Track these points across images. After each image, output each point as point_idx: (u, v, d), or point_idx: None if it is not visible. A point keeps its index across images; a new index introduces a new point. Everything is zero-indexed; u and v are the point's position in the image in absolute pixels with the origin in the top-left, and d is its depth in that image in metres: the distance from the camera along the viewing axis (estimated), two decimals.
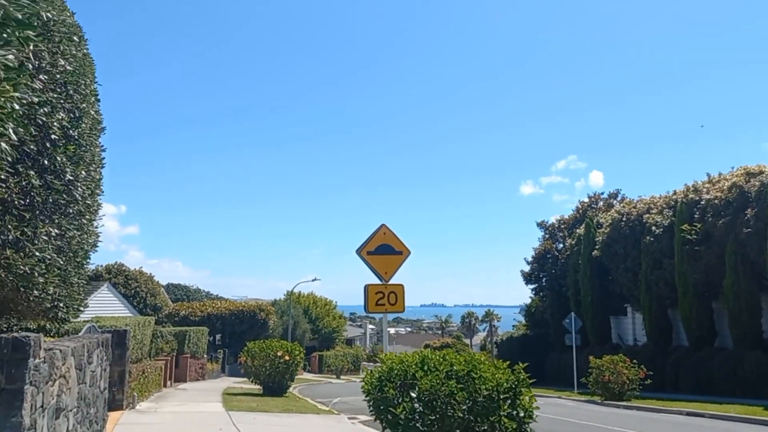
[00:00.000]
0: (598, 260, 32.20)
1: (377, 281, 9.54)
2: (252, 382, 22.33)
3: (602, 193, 39.86)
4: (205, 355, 36.12)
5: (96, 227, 6.37)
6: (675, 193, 28.23)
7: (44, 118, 4.92)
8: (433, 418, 6.32)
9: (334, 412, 16.82)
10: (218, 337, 45.32)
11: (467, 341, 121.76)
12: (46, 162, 5.04)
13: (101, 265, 48.42)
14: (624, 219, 29.68)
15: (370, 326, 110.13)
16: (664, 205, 28.02)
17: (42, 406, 5.16)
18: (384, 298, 9.37)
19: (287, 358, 21.40)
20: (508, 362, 7.23)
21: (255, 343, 22.08)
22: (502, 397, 6.52)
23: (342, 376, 59.20)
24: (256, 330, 45.62)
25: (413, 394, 6.51)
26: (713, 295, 25.87)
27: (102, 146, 6.28)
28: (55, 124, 5.08)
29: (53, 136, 5.03)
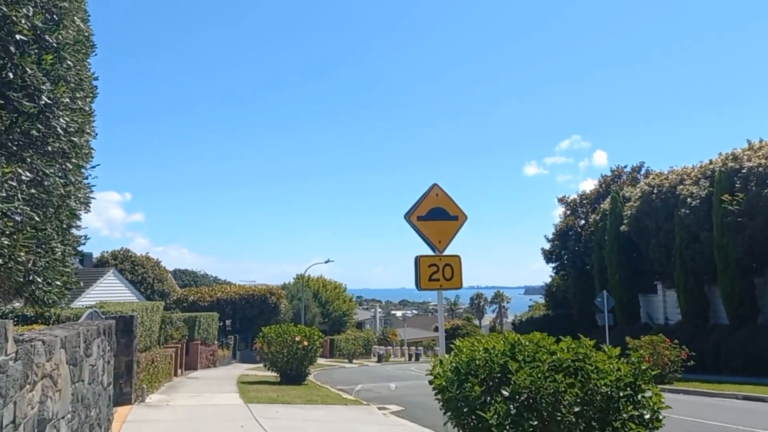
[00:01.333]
0: (626, 235, 30.58)
1: (429, 252, 8.01)
2: (267, 369, 20.94)
3: (625, 167, 38.18)
4: (216, 342, 34.81)
5: (87, 177, 4.82)
6: (711, 162, 26.55)
7: (4, 8, 3.36)
8: (535, 423, 4.81)
9: (361, 402, 15.40)
10: (228, 322, 44.06)
11: (476, 323, 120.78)
12: (10, 74, 3.50)
13: (107, 251, 47.28)
14: (655, 191, 28.00)
15: (378, 308, 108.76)
16: (699, 176, 26.34)
17: (13, 421, 3.66)
18: (438, 272, 7.84)
19: (306, 343, 19.99)
20: (619, 348, 5.74)
21: (271, 328, 20.66)
22: (621, 395, 5.00)
23: (354, 361, 58.03)
24: (267, 314, 44.39)
25: (505, 392, 4.98)
26: (756, 270, 24.32)
27: (94, 73, 4.73)
28: (23, 20, 3.53)
29: (19, 37, 3.49)
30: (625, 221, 30.43)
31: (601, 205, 34.24)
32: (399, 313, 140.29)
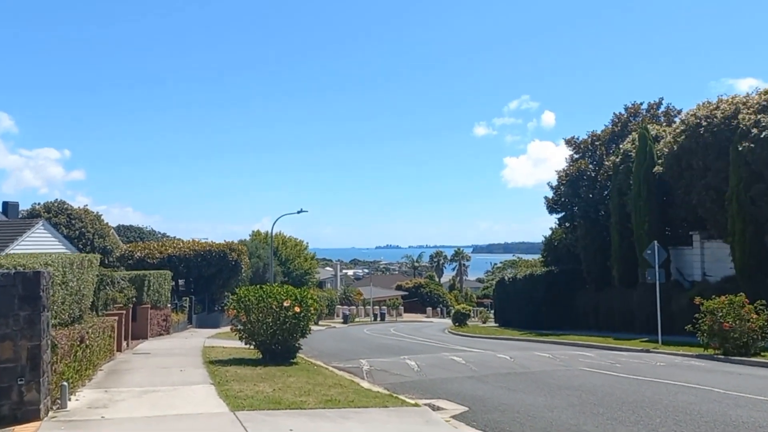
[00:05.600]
0: (659, 179, 26.10)
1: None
2: (242, 339, 15.56)
3: (641, 104, 33.64)
4: (169, 304, 29.28)
5: None
6: None
7: None
8: None
9: (400, 398, 10.31)
10: (182, 282, 38.37)
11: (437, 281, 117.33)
12: None
13: (39, 203, 40.81)
14: (704, 123, 23.39)
15: (328, 267, 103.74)
16: (764, 103, 21.85)
17: None
18: None
19: (297, 309, 14.77)
20: None
21: (249, 290, 15.34)
22: None
23: (320, 322, 53.34)
24: (227, 273, 38.93)
25: None
26: None
27: None
28: None
29: None
30: (659, 161, 25.88)
31: (622, 145, 29.65)
32: (350, 272, 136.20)
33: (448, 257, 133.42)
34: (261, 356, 15.25)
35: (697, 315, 17.85)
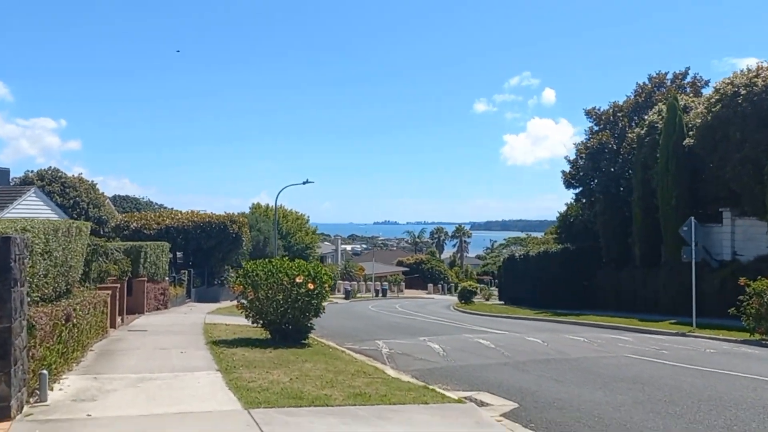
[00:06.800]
0: (689, 151, 24.54)
1: None
2: (248, 317, 14.12)
3: (666, 73, 31.90)
4: (167, 278, 27.84)
5: None
6: None
7: None
8: None
9: (444, 394, 8.84)
10: (180, 254, 36.93)
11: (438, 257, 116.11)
12: None
13: (32, 171, 39.25)
14: (742, 91, 21.79)
15: (326, 242, 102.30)
16: None
17: None
18: None
19: (311, 286, 13.31)
20: None
21: (258, 264, 13.87)
22: None
23: None
24: (227, 246, 37.47)
25: None
26: None
27: None
28: None
29: None
30: (690, 133, 24.30)
31: (648, 117, 28.02)
32: (349, 247, 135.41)
33: (449, 234, 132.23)
34: (270, 336, 13.83)
35: (741, 297, 16.44)
